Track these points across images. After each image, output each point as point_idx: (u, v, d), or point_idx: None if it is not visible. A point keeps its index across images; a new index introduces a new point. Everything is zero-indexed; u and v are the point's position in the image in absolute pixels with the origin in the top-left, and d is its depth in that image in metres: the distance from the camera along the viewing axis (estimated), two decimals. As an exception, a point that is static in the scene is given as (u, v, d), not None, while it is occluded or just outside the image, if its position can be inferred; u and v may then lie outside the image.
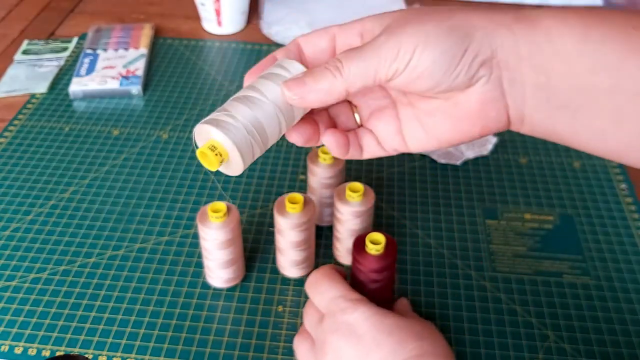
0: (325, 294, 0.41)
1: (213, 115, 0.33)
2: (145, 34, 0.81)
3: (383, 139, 0.38)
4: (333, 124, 0.38)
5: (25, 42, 0.80)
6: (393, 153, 0.38)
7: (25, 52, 0.78)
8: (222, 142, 0.32)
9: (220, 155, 0.32)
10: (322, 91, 0.33)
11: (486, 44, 0.32)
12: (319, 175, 0.52)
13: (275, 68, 0.35)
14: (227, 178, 0.61)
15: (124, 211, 0.57)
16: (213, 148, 0.32)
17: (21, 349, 0.46)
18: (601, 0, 0.91)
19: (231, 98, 0.34)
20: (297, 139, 0.36)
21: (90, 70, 0.73)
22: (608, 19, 0.31)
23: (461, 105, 0.34)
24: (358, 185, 0.48)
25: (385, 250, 0.42)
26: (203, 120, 0.32)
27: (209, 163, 0.32)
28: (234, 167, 0.33)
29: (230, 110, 0.32)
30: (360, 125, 0.39)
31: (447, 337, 0.47)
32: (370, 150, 0.38)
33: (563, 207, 0.58)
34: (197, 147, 0.33)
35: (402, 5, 0.86)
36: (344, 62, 0.33)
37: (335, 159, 0.51)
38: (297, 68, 0.35)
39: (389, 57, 0.32)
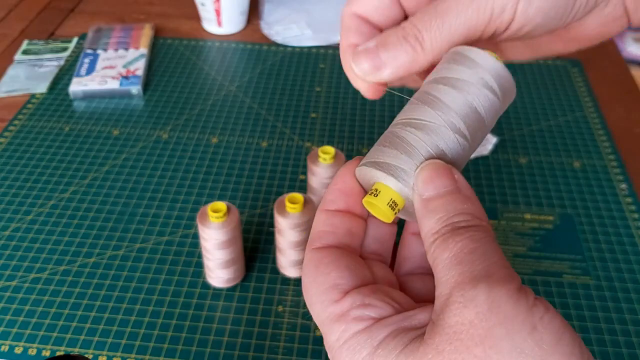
0: (312, 311, 0.27)
1: (384, 157, 0.25)
2: (145, 34, 0.81)
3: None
4: None
5: (25, 42, 0.80)
6: None
7: (25, 52, 0.78)
8: (400, 193, 0.25)
9: (397, 205, 0.26)
10: (400, 67, 0.28)
11: None
12: (319, 175, 0.52)
13: (455, 65, 0.26)
14: (227, 178, 0.61)
15: (124, 211, 0.57)
16: (394, 205, 0.25)
17: (21, 349, 0.46)
18: None
19: (401, 118, 0.26)
20: None
21: (90, 70, 0.73)
22: None
23: (577, 29, 0.29)
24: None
25: None
26: (371, 163, 0.26)
27: (383, 215, 0.26)
28: (411, 213, 0.26)
29: (404, 147, 0.25)
30: None
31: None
32: None
33: (563, 207, 0.58)
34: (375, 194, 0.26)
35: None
36: (423, 30, 0.27)
37: (335, 158, 0.51)
38: (493, 68, 0.26)
39: (480, 20, 0.26)
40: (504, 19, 0.26)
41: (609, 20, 0.29)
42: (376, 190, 0.25)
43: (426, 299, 0.25)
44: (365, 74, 0.28)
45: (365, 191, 0.27)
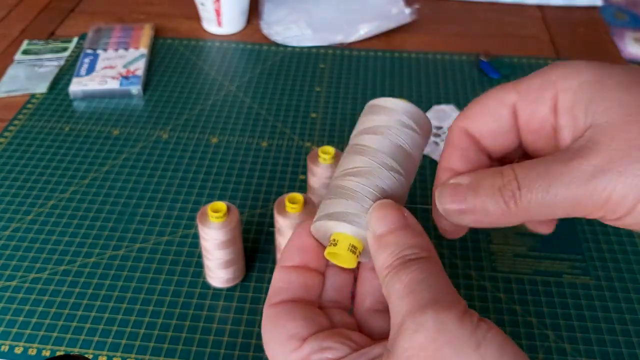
0: None
1: (332, 208, 0.27)
2: (145, 34, 0.81)
3: None
4: None
5: (25, 42, 0.80)
6: None
7: (25, 52, 0.78)
8: (356, 237, 0.26)
9: (357, 249, 0.27)
10: (486, 220, 0.26)
11: None
12: (319, 175, 0.52)
13: (373, 116, 0.28)
14: (227, 178, 0.61)
15: (124, 211, 0.57)
16: (354, 249, 0.26)
17: (21, 349, 0.46)
18: (601, 0, 0.91)
19: (339, 171, 0.27)
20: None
21: (90, 70, 0.73)
22: None
23: None
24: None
25: None
26: (323, 216, 0.27)
27: (346, 262, 0.27)
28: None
29: (349, 194, 0.26)
30: None
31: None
32: None
33: (563, 207, 0.58)
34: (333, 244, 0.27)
35: (402, 6, 0.86)
36: (523, 188, 0.24)
37: (335, 158, 0.51)
38: (406, 109, 0.27)
39: (590, 202, 0.23)
40: (619, 211, 0.23)
41: None
42: (334, 240, 0.27)
43: (385, 336, 0.26)
44: (447, 214, 0.27)
45: (323, 247, 0.29)
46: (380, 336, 0.28)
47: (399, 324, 0.24)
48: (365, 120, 0.28)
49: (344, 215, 0.26)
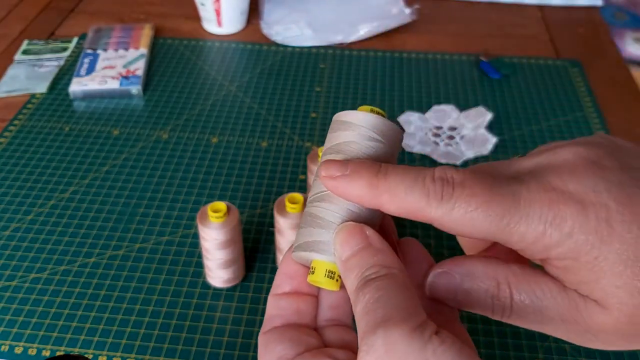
0: None
1: (304, 237, 0.28)
2: (145, 34, 0.81)
3: None
4: None
5: (25, 42, 0.80)
6: None
7: (25, 52, 0.78)
8: (332, 262, 0.27)
9: (335, 273, 0.27)
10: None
11: None
12: (319, 175, 0.52)
13: (336, 133, 0.28)
14: (227, 178, 0.61)
15: (124, 211, 0.57)
16: (331, 274, 0.27)
17: (21, 349, 0.46)
18: (601, 0, 0.91)
19: (310, 196, 0.28)
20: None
21: (90, 70, 0.73)
22: None
23: None
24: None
25: None
26: (297, 247, 0.28)
27: (328, 286, 0.27)
28: None
29: (317, 222, 0.27)
30: None
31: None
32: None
33: (563, 207, 0.58)
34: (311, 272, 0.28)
35: (402, 6, 0.86)
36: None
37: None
38: (368, 121, 0.27)
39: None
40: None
41: None
42: (313, 267, 0.27)
43: None
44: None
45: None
46: None
47: (359, 347, 0.23)
48: (331, 138, 0.28)
49: (315, 245, 0.27)
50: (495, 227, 0.24)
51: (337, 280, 0.27)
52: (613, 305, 0.24)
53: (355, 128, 0.27)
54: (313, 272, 0.27)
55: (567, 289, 0.25)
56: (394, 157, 0.28)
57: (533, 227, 0.24)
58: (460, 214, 0.24)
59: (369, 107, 0.28)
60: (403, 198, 0.25)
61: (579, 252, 0.24)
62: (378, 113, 0.28)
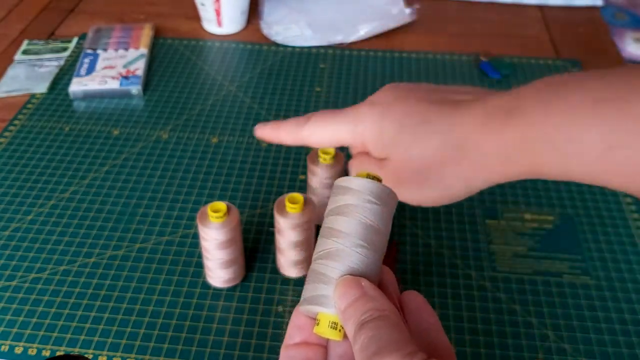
0: None
1: (309, 292, 0.30)
2: (145, 34, 0.81)
3: None
4: None
5: (25, 42, 0.80)
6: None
7: (25, 52, 0.78)
8: (334, 314, 0.30)
9: (337, 324, 0.30)
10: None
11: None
12: (319, 175, 0.52)
13: (337, 197, 0.31)
14: (227, 178, 0.61)
15: (124, 211, 0.57)
16: (334, 325, 0.30)
17: (21, 349, 0.46)
18: (601, 0, 0.91)
19: (314, 254, 0.31)
20: None
21: (90, 70, 0.73)
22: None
23: None
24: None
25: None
26: (303, 301, 0.30)
27: (332, 336, 0.30)
28: None
29: (321, 278, 0.30)
30: None
31: (448, 337, 0.47)
32: None
33: (563, 207, 0.58)
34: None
35: (402, 6, 0.86)
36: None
37: (335, 159, 0.51)
38: (369, 188, 0.31)
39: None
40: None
41: None
42: (318, 319, 0.30)
43: None
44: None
45: None
46: None
47: None
48: (332, 202, 0.31)
49: (317, 299, 0.30)
50: (345, 129, 0.41)
51: (339, 330, 0.29)
52: (393, 157, 0.39)
53: (357, 194, 0.31)
54: (318, 324, 0.30)
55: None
56: (391, 219, 0.31)
57: (362, 125, 0.40)
58: (318, 127, 0.42)
59: (366, 173, 0.31)
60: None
61: (373, 130, 0.40)
62: (374, 178, 0.31)
